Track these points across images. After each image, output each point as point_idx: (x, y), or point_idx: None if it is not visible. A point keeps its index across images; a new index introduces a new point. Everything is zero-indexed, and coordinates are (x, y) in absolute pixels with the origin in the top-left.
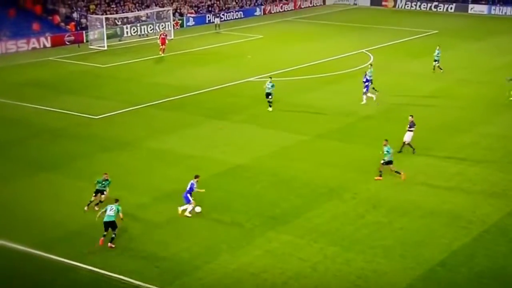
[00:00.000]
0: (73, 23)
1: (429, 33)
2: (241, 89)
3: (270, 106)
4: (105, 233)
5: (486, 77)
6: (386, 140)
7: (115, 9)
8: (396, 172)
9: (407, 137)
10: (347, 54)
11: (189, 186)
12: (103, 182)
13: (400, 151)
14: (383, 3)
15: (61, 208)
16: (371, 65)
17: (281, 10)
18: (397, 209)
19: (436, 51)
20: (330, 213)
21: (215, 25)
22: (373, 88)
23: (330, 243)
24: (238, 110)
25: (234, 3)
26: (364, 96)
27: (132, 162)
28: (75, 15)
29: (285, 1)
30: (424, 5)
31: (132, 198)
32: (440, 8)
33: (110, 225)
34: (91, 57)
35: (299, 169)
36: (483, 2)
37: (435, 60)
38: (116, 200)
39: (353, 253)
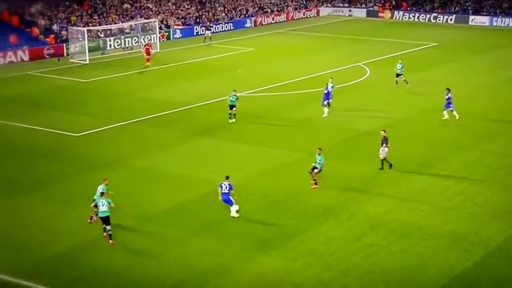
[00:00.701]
0: (52, 35)
1: (428, 45)
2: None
3: (231, 118)
4: (107, 227)
5: (488, 92)
6: (320, 149)
7: (97, 20)
8: (314, 180)
9: (382, 153)
10: (342, 68)
11: (227, 189)
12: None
13: (381, 168)
14: (380, 14)
15: (35, 234)
16: (331, 78)
17: (272, 22)
18: (396, 230)
19: (398, 65)
20: (325, 235)
21: (205, 37)
22: (328, 105)
23: (326, 267)
24: (228, 126)
25: (223, 14)
26: (325, 109)
27: (115, 182)
28: (55, 27)
29: (277, 13)
30: (422, 16)
31: (115, 220)
32: (439, 20)
33: (106, 220)
34: (72, 71)
35: (292, 189)
36: (485, 13)
37: (398, 75)
38: (102, 194)
39: (350, 278)
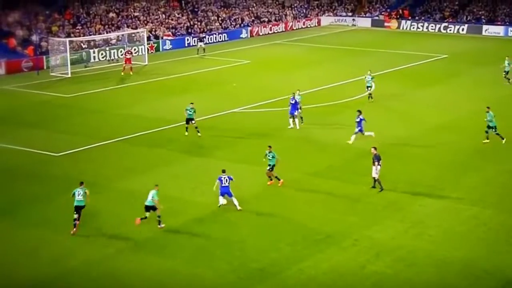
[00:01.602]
0: (31, 47)
1: (438, 57)
2: (225, 121)
3: (187, 130)
4: (76, 215)
5: (501, 108)
6: (270, 147)
7: (80, 30)
8: (276, 177)
9: (375, 171)
10: (345, 82)
11: (227, 182)
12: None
13: (373, 187)
14: (386, 24)
15: (11, 260)
16: (298, 90)
17: (270, 32)
18: (404, 257)
19: (368, 77)
20: (327, 263)
21: (198, 48)
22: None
23: None
24: (221, 145)
25: (217, 24)
26: (296, 120)
27: (98, 205)
28: (34, 37)
29: (275, 22)
30: (432, 26)
31: (96, 248)
32: (450, 30)
33: (82, 208)
34: (53, 86)
35: (291, 212)
36: (499, 23)
37: (368, 87)
38: (81, 183)
39: None
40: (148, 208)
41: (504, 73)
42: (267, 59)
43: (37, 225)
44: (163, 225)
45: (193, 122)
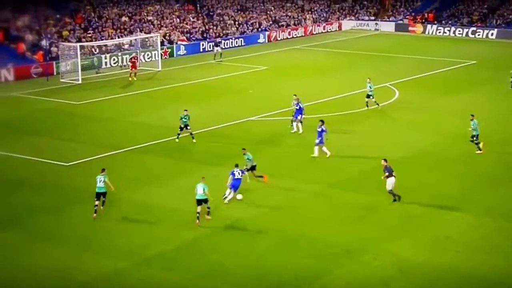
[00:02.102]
0: (41, 52)
1: (466, 64)
2: (240, 130)
3: (178, 137)
4: (97, 202)
5: None
6: (244, 149)
7: (92, 35)
8: (258, 176)
9: (388, 184)
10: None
11: (239, 175)
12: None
13: (394, 200)
14: (410, 28)
15: (17, 274)
16: (295, 94)
17: (289, 37)
18: (428, 274)
19: (368, 85)
20: (346, 279)
21: (215, 54)
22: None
23: None
24: (236, 154)
25: (233, 28)
26: (300, 125)
27: (107, 218)
28: (44, 42)
29: (294, 26)
30: (459, 31)
31: (108, 261)
32: (479, 34)
33: (103, 195)
34: (63, 93)
35: (309, 226)
36: None
37: (368, 96)
38: (103, 170)
39: None
40: (200, 202)
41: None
42: (285, 65)
43: (44, 238)
44: (210, 217)
45: (188, 128)
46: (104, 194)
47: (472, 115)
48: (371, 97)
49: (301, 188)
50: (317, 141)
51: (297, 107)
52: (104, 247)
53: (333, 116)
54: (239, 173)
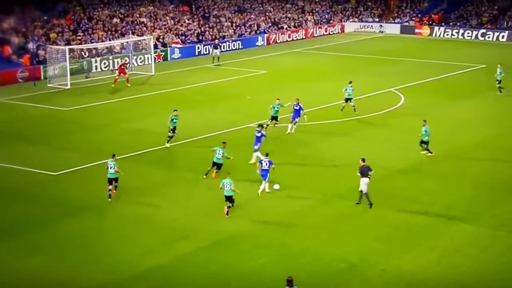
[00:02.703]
0: (27, 55)
1: (475, 67)
2: (238, 137)
3: (168, 141)
4: (110, 187)
5: None
6: (224, 143)
7: (81, 38)
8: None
9: (361, 185)
10: (371, 94)
11: (267, 165)
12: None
13: (357, 203)
14: (417, 30)
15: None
16: (278, 99)
17: (289, 39)
18: None
19: (348, 88)
20: None
21: (213, 57)
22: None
23: None
24: (233, 163)
25: (231, 30)
26: (294, 126)
27: (100, 231)
28: (30, 45)
29: (294, 29)
30: (468, 33)
31: (99, 276)
32: (488, 37)
33: (115, 180)
34: (51, 98)
35: (312, 239)
36: None
37: (348, 99)
38: (113, 155)
39: None
40: (228, 199)
41: (497, 82)
42: (285, 69)
43: (34, 251)
44: (229, 215)
45: (175, 131)
46: (115, 179)
47: (425, 121)
48: (350, 101)
49: (305, 199)
50: (256, 147)
51: (297, 108)
52: (99, 259)
53: (336, 122)
54: (266, 163)
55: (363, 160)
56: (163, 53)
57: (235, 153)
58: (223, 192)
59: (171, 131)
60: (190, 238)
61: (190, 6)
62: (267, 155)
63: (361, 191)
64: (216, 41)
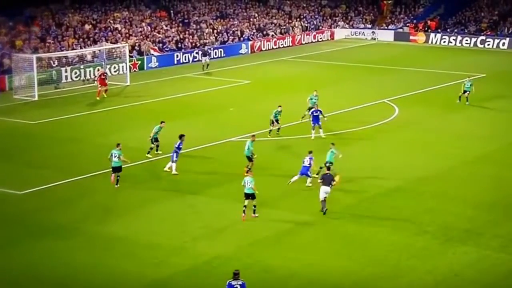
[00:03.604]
0: None
1: (474, 77)
2: (219, 152)
3: (153, 150)
4: (113, 175)
5: None
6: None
7: (50, 45)
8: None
9: (320, 192)
10: (363, 106)
11: (307, 162)
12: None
13: (322, 211)
14: (411, 37)
15: None
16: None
17: (274, 47)
18: None
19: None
20: None
21: (203, 65)
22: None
23: None
24: (215, 180)
25: (212, 38)
26: (321, 130)
27: (70, 254)
28: None
29: (280, 36)
30: (466, 40)
31: None
32: (488, 44)
33: (118, 170)
34: (16, 111)
35: (301, 263)
36: None
37: (466, 91)
38: (118, 145)
39: None
40: (248, 196)
41: (463, 92)
42: (270, 79)
43: None
44: (257, 214)
45: (157, 141)
46: (119, 168)
47: (332, 144)
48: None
49: (292, 219)
50: (175, 158)
51: (316, 114)
52: (68, 285)
53: (324, 136)
54: (307, 160)
55: (328, 168)
56: (139, 62)
57: (217, 170)
58: (244, 189)
59: (155, 141)
60: (165, 263)
61: (168, 12)
62: (310, 152)
63: (323, 200)
64: (206, 47)
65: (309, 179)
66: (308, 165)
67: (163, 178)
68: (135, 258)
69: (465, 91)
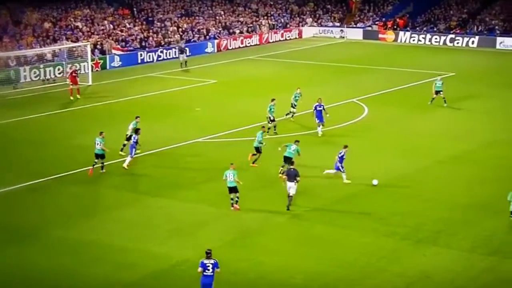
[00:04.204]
0: None
1: (444, 75)
2: (186, 153)
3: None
4: (96, 161)
5: None
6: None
7: (7, 44)
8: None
9: (288, 188)
10: (332, 105)
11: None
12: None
13: (288, 209)
14: (380, 35)
15: None
16: (273, 99)
17: (241, 46)
18: None
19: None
20: None
21: (181, 62)
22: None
23: None
24: (183, 182)
25: (177, 36)
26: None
27: (34, 259)
28: None
29: (247, 34)
30: (436, 39)
31: None
32: (458, 43)
33: (101, 157)
34: None
35: (269, 265)
36: None
37: (438, 91)
38: (101, 133)
39: None
40: (231, 190)
41: (435, 93)
42: (237, 78)
43: None
44: (238, 206)
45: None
46: (102, 155)
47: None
48: (441, 93)
49: (261, 220)
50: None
51: (320, 108)
52: None
53: (293, 136)
54: (341, 153)
55: (292, 163)
56: (102, 61)
57: (185, 172)
58: (226, 183)
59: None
60: (133, 267)
61: (131, 9)
62: (345, 146)
63: (291, 195)
64: (182, 45)
65: (343, 175)
66: (342, 158)
67: (130, 180)
68: (102, 263)
69: (437, 91)
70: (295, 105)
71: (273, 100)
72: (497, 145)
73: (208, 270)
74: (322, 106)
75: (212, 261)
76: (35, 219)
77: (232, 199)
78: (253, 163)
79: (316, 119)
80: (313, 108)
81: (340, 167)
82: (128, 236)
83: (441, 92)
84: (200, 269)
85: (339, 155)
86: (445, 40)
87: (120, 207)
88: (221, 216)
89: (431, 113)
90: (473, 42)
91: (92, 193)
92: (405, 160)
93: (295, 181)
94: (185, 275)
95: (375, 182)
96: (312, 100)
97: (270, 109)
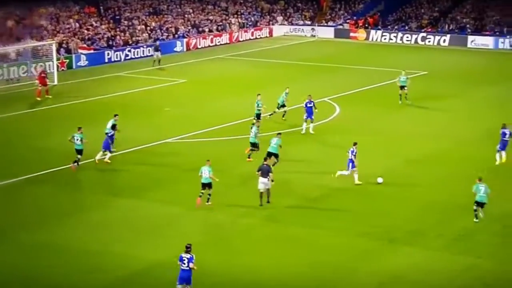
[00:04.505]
0: None
1: (415, 74)
2: (156, 153)
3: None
4: (79, 156)
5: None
6: (79, 128)
7: None
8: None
9: (260, 185)
10: (302, 105)
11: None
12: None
13: (261, 205)
14: (352, 34)
15: None
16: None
17: (211, 45)
18: None
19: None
20: None
21: (154, 60)
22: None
23: None
24: (153, 183)
25: (145, 34)
26: (311, 124)
27: (2, 263)
28: None
29: (217, 33)
30: (407, 37)
31: None
32: (429, 41)
33: (79, 152)
34: None
35: (242, 267)
36: (488, 33)
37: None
38: (79, 128)
39: None
40: (205, 186)
41: (400, 88)
42: (207, 77)
43: None
44: (210, 203)
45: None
46: (81, 151)
47: (279, 133)
48: (405, 88)
49: (233, 221)
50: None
51: (310, 105)
52: None
53: (264, 137)
54: (353, 150)
55: (265, 159)
56: (67, 60)
57: (155, 173)
58: (201, 179)
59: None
60: (103, 270)
61: (97, 8)
62: (355, 144)
63: (264, 191)
64: (157, 42)
65: (355, 176)
66: (353, 156)
67: (98, 182)
68: (70, 267)
69: (402, 87)
70: (281, 106)
71: (258, 95)
72: (469, 144)
73: (184, 263)
74: (312, 103)
75: (188, 256)
76: (1, 221)
77: (202, 193)
78: (248, 157)
79: (306, 114)
80: (304, 105)
81: (353, 165)
82: (98, 239)
83: (405, 88)
84: (179, 262)
85: (352, 154)
86: (416, 39)
87: (89, 209)
88: (196, 218)
89: (402, 112)
90: (444, 41)
91: (61, 195)
92: (376, 160)
93: (268, 177)
94: (154, 278)
95: (380, 180)
96: (274, 101)
97: (258, 104)
